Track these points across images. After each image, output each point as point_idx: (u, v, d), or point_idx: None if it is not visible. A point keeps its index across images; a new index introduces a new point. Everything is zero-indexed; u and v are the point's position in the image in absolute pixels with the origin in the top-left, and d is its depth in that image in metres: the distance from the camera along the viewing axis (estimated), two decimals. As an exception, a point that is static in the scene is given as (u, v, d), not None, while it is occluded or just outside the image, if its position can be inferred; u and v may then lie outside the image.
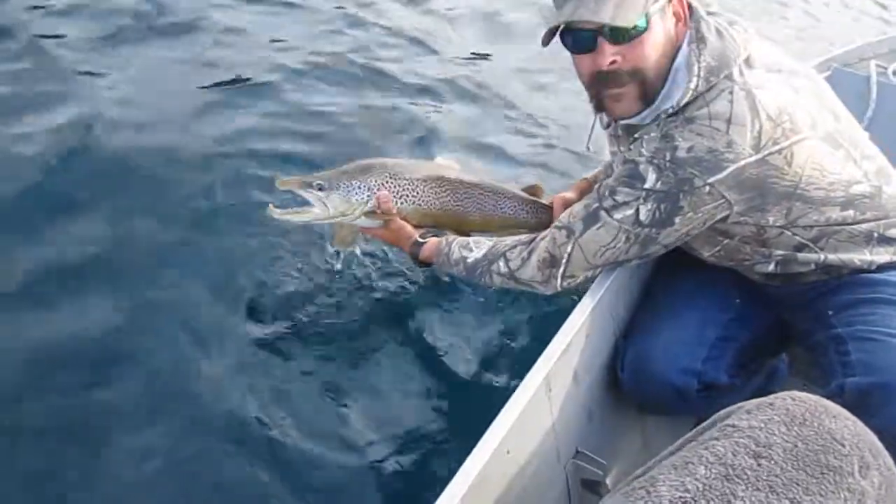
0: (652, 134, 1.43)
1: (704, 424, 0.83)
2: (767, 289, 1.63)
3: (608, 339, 1.62)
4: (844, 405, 1.36)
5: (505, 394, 1.34)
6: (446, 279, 2.04)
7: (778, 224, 1.45)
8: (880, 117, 2.20)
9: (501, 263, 1.63)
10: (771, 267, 1.55)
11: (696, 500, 0.63)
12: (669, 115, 1.41)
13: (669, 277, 1.71)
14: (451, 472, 1.17)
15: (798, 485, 0.64)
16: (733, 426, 0.71)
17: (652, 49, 1.39)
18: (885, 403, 1.29)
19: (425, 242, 1.78)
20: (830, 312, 1.50)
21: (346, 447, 1.69)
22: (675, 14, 1.41)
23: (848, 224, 1.47)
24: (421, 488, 1.59)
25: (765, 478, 0.65)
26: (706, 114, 1.36)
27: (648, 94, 1.44)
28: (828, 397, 1.40)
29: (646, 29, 1.36)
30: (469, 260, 1.68)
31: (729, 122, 1.35)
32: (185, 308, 1.94)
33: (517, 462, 1.32)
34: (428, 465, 1.67)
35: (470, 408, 1.74)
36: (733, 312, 1.62)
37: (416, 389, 1.84)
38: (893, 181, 1.53)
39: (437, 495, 1.13)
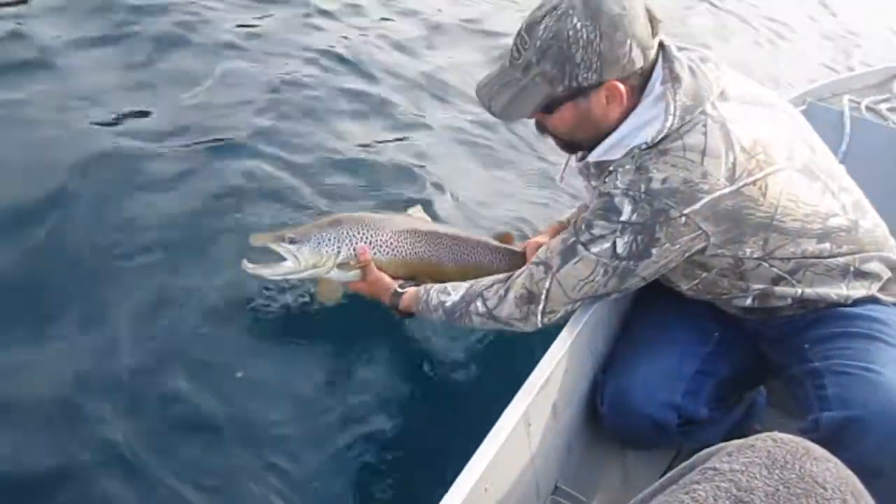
0: (626, 167, 1.42)
1: (686, 465, 0.81)
2: (745, 322, 1.63)
3: (587, 373, 1.61)
4: (820, 439, 1.35)
5: (483, 427, 1.32)
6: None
7: (755, 256, 1.45)
8: (854, 151, 2.24)
9: (479, 303, 1.61)
10: (749, 301, 1.55)
11: (677, 548, 0.61)
12: (644, 150, 1.41)
13: (648, 311, 1.70)
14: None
15: (781, 531, 0.62)
16: (714, 469, 0.69)
17: (560, 126, 1.49)
18: (861, 437, 1.29)
19: (404, 292, 1.76)
20: (807, 346, 1.50)
21: (323, 485, 1.65)
22: (609, 98, 1.41)
23: (824, 257, 1.47)
24: None
25: (747, 524, 0.63)
26: (680, 146, 1.37)
27: (583, 149, 1.54)
28: (804, 431, 1.42)
29: (551, 112, 1.45)
30: (447, 304, 1.66)
31: (703, 153, 1.35)
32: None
33: (496, 499, 1.30)
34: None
35: (446, 442, 1.71)
36: (712, 346, 1.62)
37: (392, 421, 1.81)
38: (869, 215, 1.54)
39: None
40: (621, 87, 1.39)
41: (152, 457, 1.61)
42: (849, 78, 2.60)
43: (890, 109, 2.42)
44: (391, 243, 1.85)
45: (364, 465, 1.69)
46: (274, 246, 1.80)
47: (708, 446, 1.64)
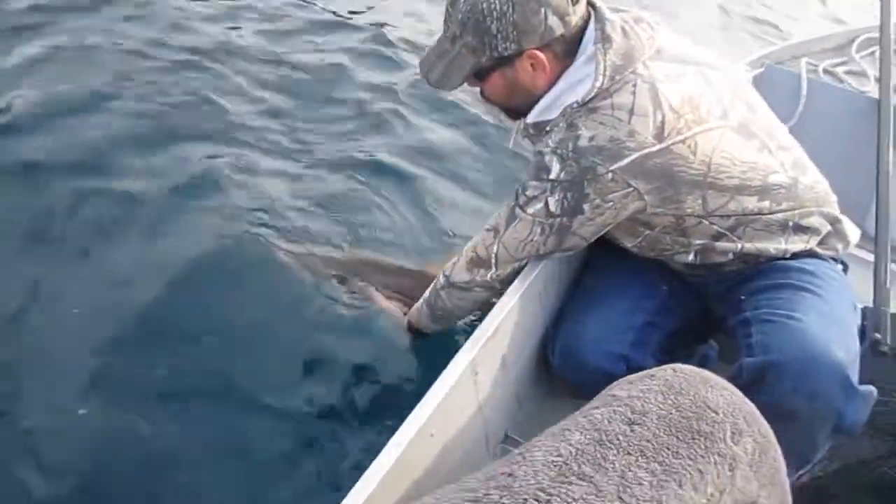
0: (560, 125, 1.46)
1: (602, 393, 0.86)
2: (691, 278, 1.67)
3: (538, 326, 1.65)
4: (743, 384, 1.39)
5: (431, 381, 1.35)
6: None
7: (696, 214, 1.48)
8: (810, 113, 2.27)
9: (441, 278, 1.69)
10: (691, 257, 1.60)
11: (567, 464, 0.65)
12: (575, 108, 1.44)
13: (598, 267, 1.75)
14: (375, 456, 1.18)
15: (668, 449, 0.67)
16: (613, 396, 0.74)
17: (494, 94, 1.57)
18: (777, 381, 1.33)
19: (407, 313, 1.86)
20: (743, 298, 1.55)
21: (261, 426, 1.70)
22: (534, 65, 1.46)
23: (764, 214, 1.51)
24: (342, 473, 1.61)
25: (636, 443, 0.67)
26: (609, 104, 1.40)
27: (519, 114, 1.59)
28: (731, 378, 1.45)
29: (483, 80, 1.53)
30: (426, 296, 1.75)
31: (631, 112, 1.38)
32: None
33: (443, 445, 1.34)
34: (350, 451, 1.68)
35: (396, 395, 1.77)
36: (660, 300, 1.66)
37: (335, 376, 1.86)
38: (809, 172, 1.58)
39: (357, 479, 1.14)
40: (541, 55, 1.44)
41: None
42: (808, 41, 2.63)
43: (847, 72, 2.46)
44: None
45: (303, 421, 1.75)
46: None
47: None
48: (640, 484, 0.64)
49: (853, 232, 1.62)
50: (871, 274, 1.71)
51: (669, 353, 1.67)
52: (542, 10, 1.39)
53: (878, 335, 1.61)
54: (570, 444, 0.67)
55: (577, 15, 1.43)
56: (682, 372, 0.76)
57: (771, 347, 1.37)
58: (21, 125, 2.57)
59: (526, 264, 1.59)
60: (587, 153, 1.40)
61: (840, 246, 1.61)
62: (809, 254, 1.56)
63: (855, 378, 1.33)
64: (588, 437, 0.68)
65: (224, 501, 1.60)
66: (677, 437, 0.68)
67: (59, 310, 1.93)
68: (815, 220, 1.56)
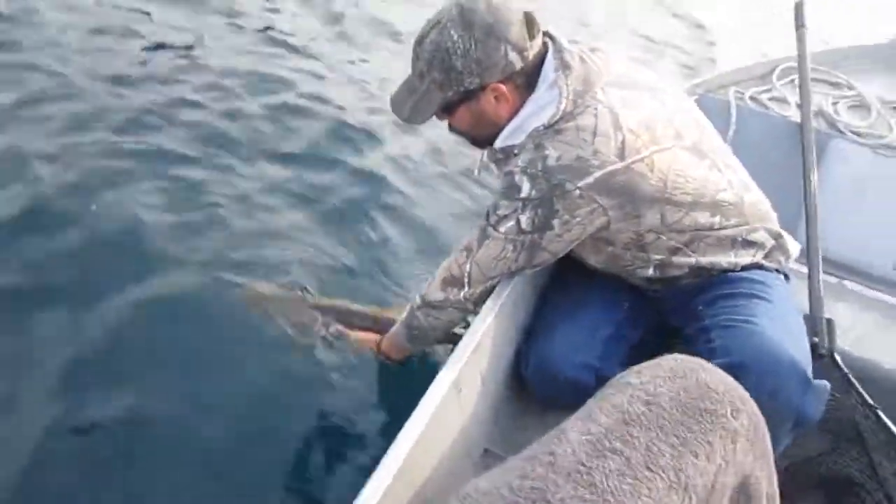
0: (528, 146, 1.55)
1: (601, 389, 0.94)
2: (650, 293, 1.79)
3: (511, 342, 1.73)
4: None
5: (408, 395, 1.40)
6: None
7: (654, 229, 1.59)
8: (740, 137, 2.46)
9: (417, 298, 1.75)
10: (650, 271, 1.71)
11: (600, 441, 0.73)
12: (542, 131, 1.54)
13: (563, 285, 1.85)
14: (364, 475, 1.21)
15: (682, 424, 0.76)
16: (627, 383, 0.82)
17: (461, 125, 1.66)
18: (741, 379, 1.38)
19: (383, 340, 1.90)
20: (700, 308, 1.67)
21: (252, 459, 1.72)
22: (497, 98, 1.57)
23: (715, 229, 1.64)
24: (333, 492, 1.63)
25: (655, 421, 0.76)
26: (574, 126, 1.50)
27: (490, 144, 1.67)
28: (699, 382, 1.59)
29: (450, 114, 1.62)
30: (403, 317, 1.81)
31: (594, 133, 1.48)
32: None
33: (430, 464, 1.37)
34: (342, 467, 1.71)
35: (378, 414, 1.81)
36: (622, 314, 1.77)
37: (326, 398, 1.90)
38: (752, 191, 1.73)
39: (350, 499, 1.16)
40: (503, 87, 1.55)
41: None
42: (734, 71, 2.84)
43: (771, 99, 2.68)
44: None
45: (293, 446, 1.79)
46: None
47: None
48: (663, 455, 0.72)
49: (794, 246, 1.78)
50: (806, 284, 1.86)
51: (634, 362, 1.78)
52: (503, 46, 1.50)
53: (815, 339, 1.75)
54: (600, 424, 0.75)
55: (533, 49, 1.55)
56: (683, 360, 0.86)
57: (732, 350, 1.49)
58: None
59: (496, 284, 1.67)
60: (555, 171, 1.49)
61: (782, 259, 1.75)
62: (756, 266, 1.70)
63: (810, 374, 1.46)
64: (613, 417, 0.76)
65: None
66: (688, 415, 0.77)
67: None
68: (760, 236, 1.71)
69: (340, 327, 2.00)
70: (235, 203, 2.66)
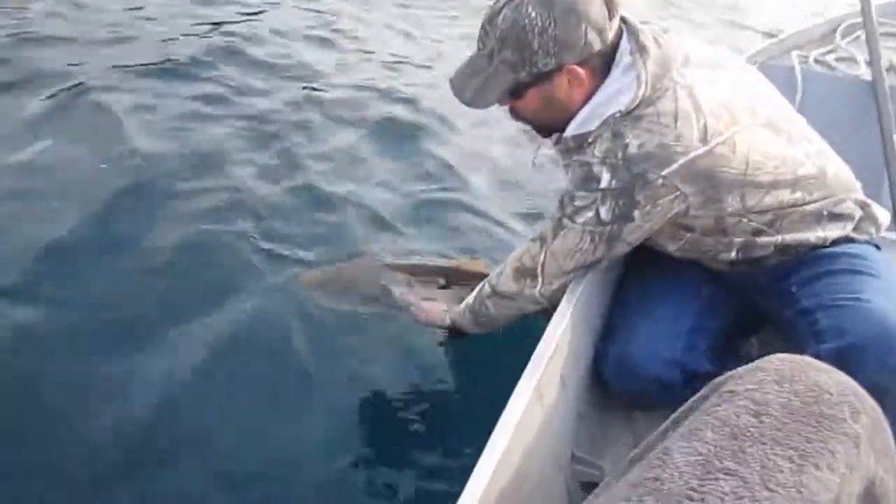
0: (604, 135, 1.48)
1: (697, 397, 0.87)
2: (732, 276, 1.70)
3: (589, 341, 1.67)
4: None
5: (490, 403, 1.35)
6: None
7: (735, 212, 1.52)
8: (809, 102, 2.33)
9: (486, 287, 1.71)
10: (733, 254, 1.62)
11: (709, 461, 0.67)
12: (619, 118, 1.47)
13: (639, 276, 1.77)
14: (450, 495, 1.18)
15: (799, 434, 0.69)
16: (731, 391, 0.75)
17: (528, 110, 1.57)
18: (861, 361, 1.35)
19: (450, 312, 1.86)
20: (794, 289, 1.58)
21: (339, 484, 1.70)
22: (571, 81, 1.49)
23: (799, 206, 1.55)
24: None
25: (768, 432, 0.69)
26: (654, 112, 1.43)
27: (556, 131, 1.59)
28: (805, 367, 1.49)
29: (518, 97, 1.53)
30: (469, 302, 1.76)
31: (676, 118, 1.42)
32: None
33: (519, 475, 1.32)
34: (426, 487, 1.68)
35: (454, 424, 1.79)
36: (703, 302, 1.69)
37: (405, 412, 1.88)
38: (833, 161, 1.63)
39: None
40: (580, 70, 1.47)
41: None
42: (793, 35, 2.70)
43: (837, 59, 2.53)
44: None
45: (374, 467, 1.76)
46: None
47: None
48: (781, 471, 0.65)
49: (883, 215, 1.66)
50: None
51: (719, 352, 1.70)
52: (583, 25, 1.42)
53: None
54: (706, 443, 0.69)
55: (612, 30, 1.46)
56: (789, 360, 0.78)
57: (845, 331, 1.39)
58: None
59: (570, 280, 1.61)
60: (637, 161, 1.42)
61: (873, 229, 1.64)
62: (847, 239, 1.60)
63: None
64: (721, 433, 0.70)
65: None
66: (803, 422, 0.70)
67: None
68: (846, 207, 1.60)
69: (407, 295, 1.93)
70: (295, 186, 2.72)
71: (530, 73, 1.48)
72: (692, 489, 0.63)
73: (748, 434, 0.69)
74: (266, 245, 2.40)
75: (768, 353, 1.94)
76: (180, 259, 2.28)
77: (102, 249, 2.28)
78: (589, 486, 1.54)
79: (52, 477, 1.62)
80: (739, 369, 0.80)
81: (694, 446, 0.69)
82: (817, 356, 1.40)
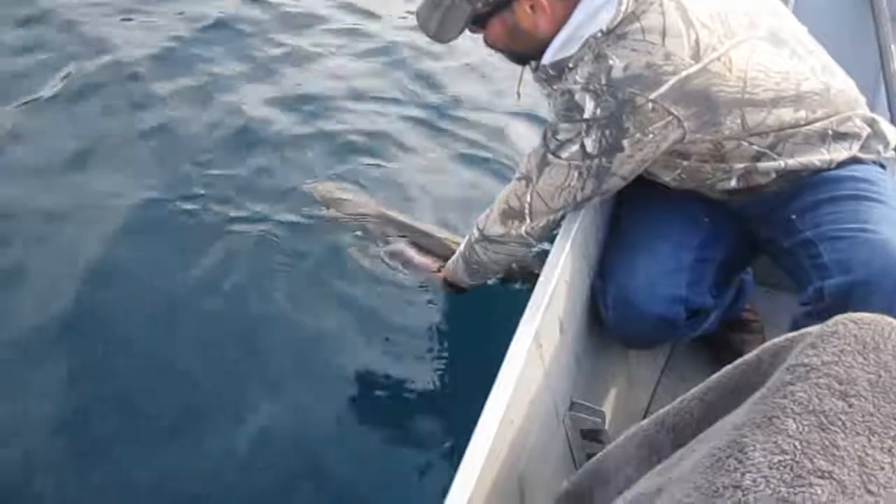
0: (585, 59, 1.35)
1: (749, 359, 0.75)
2: (731, 204, 1.58)
3: (585, 282, 1.55)
4: (826, 308, 1.33)
5: (489, 352, 1.27)
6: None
7: (734, 136, 1.39)
8: (801, 8, 2.18)
9: (475, 231, 1.60)
10: (733, 182, 1.50)
11: (797, 461, 0.55)
12: (600, 38, 1.34)
13: (635, 209, 1.64)
14: (453, 445, 1.12)
15: (895, 419, 0.57)
16: (805, 365, 0.63)
17: (496, 40, 1.48)
18: (867, 299, 1.27)
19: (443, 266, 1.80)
20: (794, 216, 1.47)
21: (340, 434, 1.65)
22: (533, 7, 1.39)
23: (801, 125, 1.43)
24: (424, 463, 1.54)
25: (860, 420, 0.57)
26: (639, 28, 1.30)
27: (532, 59, 1.51)
28: (807, 303, 1.39)
29: (482, 28, 1.45)
30: (461, 249, 1.67)
31: (664, 34, 1.29)
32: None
33: (521, 427, 1.25)
34: (428, 444, 1.60)
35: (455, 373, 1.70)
36: (704, 233, 1.58)
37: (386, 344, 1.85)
38: (838, 76, 1.50)
39: (441, 473, 1.09)
40: None
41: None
42: None
43: None
44: None
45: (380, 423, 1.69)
46: None
47: (704, 335, 1.64)
48: (882, 468, 0.54)
49: (892, 131, 1.54)
50: None
51: (720, 285, 1.61)
52: None
53: None
54: (790, 436, 0.57)
55: None
56: (865, 323, 0.66)
57: (851, 265, 1.30)
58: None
59: (561, 218, 1.49)
60: (623, 84, 1.29)
61: (881, 147, 1.52)
62: (854, 160, 1.48)
63: None
64: (805, 422, 0.58)
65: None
66: (897, 403, 0.58)
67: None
68: (853, 125, 1.48)
69: (403, 247, 1.91)
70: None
71: (486, 2, 1.39)
72: (782, 499, 0.52)
73: (838, 423, 0.57)
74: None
75: (766, 285, 1.92)
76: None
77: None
78: (589, 434, 1.46)
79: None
80: (808, 333, 0.68)
81: (776, 442, 0.57)
82: (820, 292, 1.33)
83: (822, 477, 0.53)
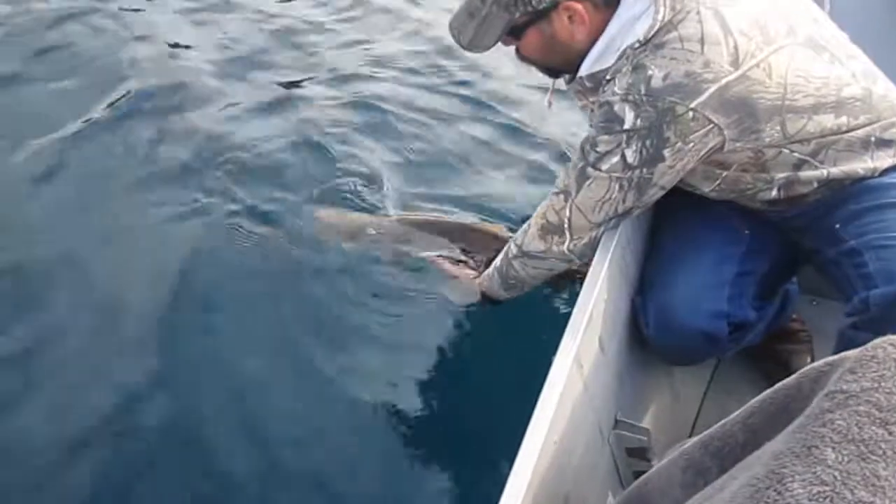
0: (623, 70, 1.35)
1: (790, 384, 0.75)
2: (772, 215, 1.56)
3: (625, 299, 1.54)
4: (871, 318, 1.31)
5: (532, 373, 1.27)
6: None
7: (775, 143, 1.38)
8: (837, 11, 2.14)
9: (513, 247, 1.60)
10: (774, 192, 1.48)
11: (838, 493, 0.55)
12: (637, 48, 1.34)
13: (673, 223, 1.63)
14: (497, 468, 1.17)
15: (939, 448, 0.56)
16: (843, 392, 0.62)
17: (531, 52, 1.48)
18: None
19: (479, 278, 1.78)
20: (837, 226, 1.45)
21: (385, 459, 1.65)
22: (572, 18, 1.39)
23: (843, 132, 1.40)
24: (468, 486, 1.56)
25: (901, 447, 0.57)
26: (677, 37, 1.30)
27: (565, 72, 1.52)
28: (852, 314, 1.37)
29: (518, 39, 1.45)
30: (497, 264, 1.67)
31: (702, 41, 1.28)
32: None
33: (565, 449, 1.25)
34: (468, 470, 1.60)
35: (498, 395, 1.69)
36: (745, 245, 1.56)
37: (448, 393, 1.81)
38: (880, 81, 1.47)
39: (486, 496, 1.11)
40: (578, 5, 1.36)
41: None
42: None
43: None
44: None
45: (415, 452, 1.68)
46: None
47: (749, 347, 1.62)
48: (926, 498, 0.53)
49: None
50: None
51: (764, 298, 1.59)
52: None
53: None
54: (829, 467, 0.57)
55: None
56: (905, 345, 0.65)
57: None
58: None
59: (601, 234, 1.49)
60: (663, 93, 1.29)
61: None
62: None
63: None
64: (845, 451, 0.57)
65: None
66: (941, 431, 0.57)
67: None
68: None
69: (436, 259, 1.88)
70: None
71: (525, 11, 1.39)
72: (823, 532, 0.52)
73: (878, 452, 0.56)
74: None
75: (812, 293, 1.89)
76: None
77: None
78: (635, 452, 1.45)
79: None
80: (846, 358, 0.67)
81: (815, 473, 0.56)
82: (866, 302, 1.31)
83: (862, 508, 0.53)
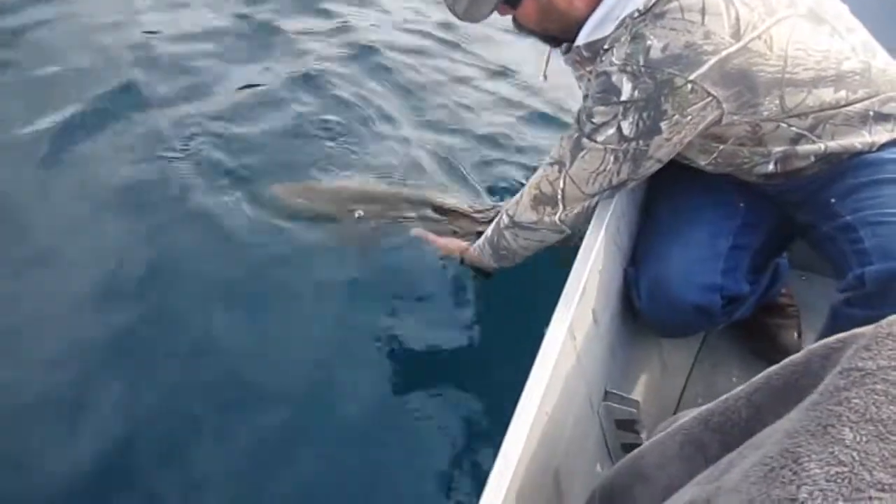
0: (622, 39, 1.32)
1: (797, 360, 0.73)
2: (767, 189, 1.55)
3: (618, 271, 1.53)
4: (866, 295, 1.30)
5: (525, 344, 1.25)
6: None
7: (772, 117, 1.36)
8: None
9: (504, 217, 1.57)
10: (771, 166, 1.47)
11: (856, 473, 0.53)
12: (637, 17, 1.30)
13: (667, 195, 1.61)
14: (488, 438, 1.13)
15: (957, 428, 0.55)
16: (859, 370, 0.61)
17: (527, 20, 1.44)
18: None
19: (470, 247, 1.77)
20: (833, 200, 1.43)
21: (374, 424, 1.63)
22: None
23: (842, 106, 1.38)
24: (460, 457, 1.54)
25: (921, 428, 0.55)
26: (677, 7, 1.26)
27: (564, 40, 1.48)
28: (846, 290, 1.36)
29: (514, 7, 1.41)
30: (488, 235, 1.64)
31: (703, 12, 1.25)
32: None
33: (556, 421, 1.24)
34: (460, 439, 1.59)
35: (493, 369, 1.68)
36: (740, 219, 1.54)
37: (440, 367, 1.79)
38: (879, 54, 1.45)
39: (478, 465, 1.13)
40: None
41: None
42: None
43: None
44: None
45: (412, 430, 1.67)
46: None
47: (737, 321, 1.61)
48: (944, 481, 0.52)
49: None
50: None
51: (758, 271, 1.58)
52: None
53: None
54: (847, 447, 0.55)
55: None
56: (922, 324, 0.64)
57: (893, 251, 1.26)
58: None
59: (594, 203, 1.47)
60: (662, 65, 1.26)
61: None
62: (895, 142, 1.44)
63: None
64: (862, 431, 0.56)
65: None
66: (959, 410, 0.56)
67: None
68: (894, 106, 1.43)
69: (422, 232, 1.87)
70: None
71: None
72: (842, 516, 0.50)
73: (897, 432, 0.55)
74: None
75: (802, 268, 1.88)
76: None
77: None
78: (624, 424, 1.45)
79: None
80: (860, 335, 0.66)
81: (833, 453, 0.55)
82: (861, 278, 1.30)
83: (882, 490, 0.52)
